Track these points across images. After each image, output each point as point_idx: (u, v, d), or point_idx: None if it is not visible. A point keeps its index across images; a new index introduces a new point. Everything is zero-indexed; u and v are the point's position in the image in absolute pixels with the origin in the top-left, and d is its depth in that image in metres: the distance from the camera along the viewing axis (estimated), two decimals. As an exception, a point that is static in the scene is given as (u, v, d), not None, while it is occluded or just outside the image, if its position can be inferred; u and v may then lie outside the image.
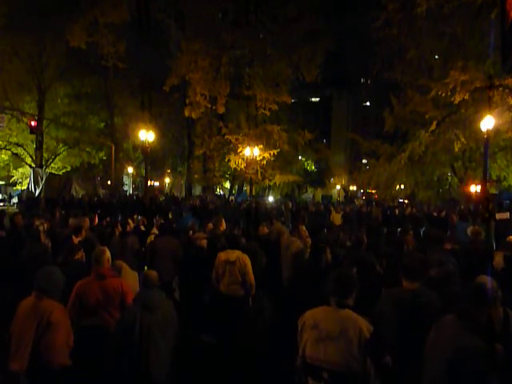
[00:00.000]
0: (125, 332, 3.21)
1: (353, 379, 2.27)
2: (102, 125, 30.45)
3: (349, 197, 44.85)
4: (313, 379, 2.38)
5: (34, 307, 3.15)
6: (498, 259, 4.40)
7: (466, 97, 15.14)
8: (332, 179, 50.59)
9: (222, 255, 5.18)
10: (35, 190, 22.87)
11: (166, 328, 3.32)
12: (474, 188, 19.26)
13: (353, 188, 49.05)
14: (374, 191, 34.08)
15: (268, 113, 24.92)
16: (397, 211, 17.01)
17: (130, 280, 4.43)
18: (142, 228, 8.43)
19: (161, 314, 3.32)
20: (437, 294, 3.32)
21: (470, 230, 8.21)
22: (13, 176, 29.35)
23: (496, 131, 15.21)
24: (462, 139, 17.81)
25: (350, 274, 2.76)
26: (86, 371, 3.44)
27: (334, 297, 2.53)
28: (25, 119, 24.49)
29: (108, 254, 4.03)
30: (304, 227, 6.83)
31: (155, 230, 7.39)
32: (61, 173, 27.95)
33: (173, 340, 3.40)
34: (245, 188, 32.00)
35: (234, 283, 5.09)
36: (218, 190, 36.11)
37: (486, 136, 12.81)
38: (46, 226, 7.31)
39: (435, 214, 14.51)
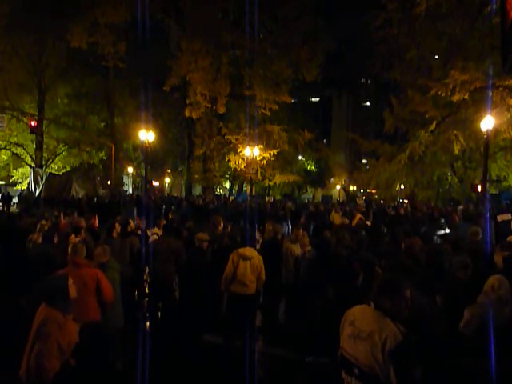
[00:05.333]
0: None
1: (376, 381, 2.27)
2: (102, 125, 30.46)
3: (350, 197, 44.81)
4: (345, 373, 2.47)
5: (38, 315, 3.10)
6: (497, 260, 4.37)
7: (466, 97, 15.16)
8: (332, 179, 50.50)
9: (241, 252, 5.25)
10: (35, 189, 22.88)
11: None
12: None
13: (353, 188, 48.97)
14: (374, 191, 34.09)
15: (268, 113, 24.86)
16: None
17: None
18: (139, 232, 8.23)
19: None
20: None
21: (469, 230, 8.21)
22: (13, 176, 29.37)
23: (496, 131, 15.24)
24: (462, 139, 17.81)
25: (396, 279, 2.66)
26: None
27: (373, 298, 2.53)
28: (25, 119, 24.52)
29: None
30: (298, 229, 6.74)
31: (157, 230, 7.35)
32: (61, 173, 27.95)
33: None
34: (245, 188, 32.00)
35: (252, 281, 5.21)
36: (217, 190, 36.08)
37: (485, 136, 12.84)
38: (48, 225, 7.29)
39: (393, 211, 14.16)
